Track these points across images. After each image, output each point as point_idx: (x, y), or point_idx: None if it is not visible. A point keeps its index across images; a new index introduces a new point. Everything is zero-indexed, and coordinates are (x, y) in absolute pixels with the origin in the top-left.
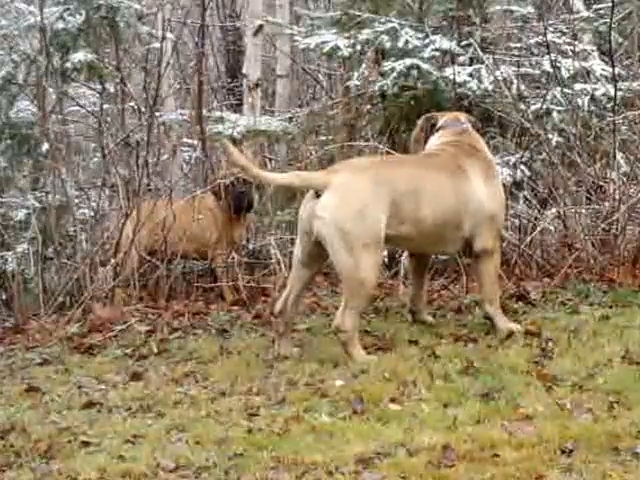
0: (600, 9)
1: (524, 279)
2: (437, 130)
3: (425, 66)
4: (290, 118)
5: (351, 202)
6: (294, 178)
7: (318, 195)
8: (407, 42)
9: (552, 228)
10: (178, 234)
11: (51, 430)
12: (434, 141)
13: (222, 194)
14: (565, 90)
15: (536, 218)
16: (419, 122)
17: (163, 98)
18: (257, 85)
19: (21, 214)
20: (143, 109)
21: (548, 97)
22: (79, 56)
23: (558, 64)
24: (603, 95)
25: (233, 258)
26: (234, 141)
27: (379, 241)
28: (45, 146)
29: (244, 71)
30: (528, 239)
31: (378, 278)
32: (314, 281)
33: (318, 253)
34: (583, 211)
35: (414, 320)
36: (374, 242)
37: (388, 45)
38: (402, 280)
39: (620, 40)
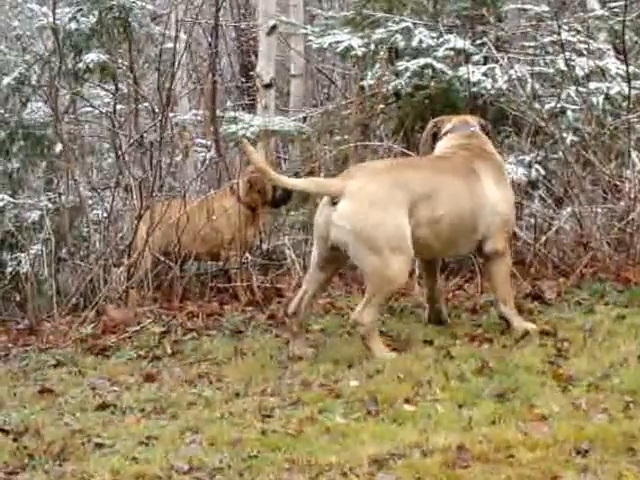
0: (614, 7)
1: (539, 279)
2: (446, 133)
3: (439, 65)
4: (304, 118)
5: (371, 208)
6: (310, 184)
7: (334, 202)
8: (421, 41)
9: (567, 227)
10: (192, 235)
11: (64, 432)
12: (444, 144)
13: (262, 188)
14: (580, 89)
15: (551, 217)
16: (427, 126)
17: (177, 98)
18: (270, 85)
19: (35, 215)
20: (156, 109)
21: (563, 96)
22: (92, 57)
23: (573, 63)
24: (618, 94)
25: (247, 258)
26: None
27: (406, 241)
28: (58, 147)
29: (257, 71)
30: (543, 238)
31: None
32: (331, 283)
33: (335, 257)
34: (599, 210)
35: (429, 320)
36: (401, 244)
37: (402, 44)
38: (417, 280)
39: (635, 38)
